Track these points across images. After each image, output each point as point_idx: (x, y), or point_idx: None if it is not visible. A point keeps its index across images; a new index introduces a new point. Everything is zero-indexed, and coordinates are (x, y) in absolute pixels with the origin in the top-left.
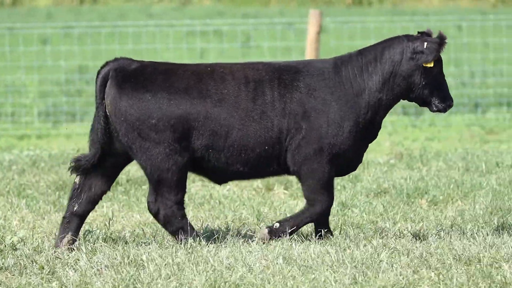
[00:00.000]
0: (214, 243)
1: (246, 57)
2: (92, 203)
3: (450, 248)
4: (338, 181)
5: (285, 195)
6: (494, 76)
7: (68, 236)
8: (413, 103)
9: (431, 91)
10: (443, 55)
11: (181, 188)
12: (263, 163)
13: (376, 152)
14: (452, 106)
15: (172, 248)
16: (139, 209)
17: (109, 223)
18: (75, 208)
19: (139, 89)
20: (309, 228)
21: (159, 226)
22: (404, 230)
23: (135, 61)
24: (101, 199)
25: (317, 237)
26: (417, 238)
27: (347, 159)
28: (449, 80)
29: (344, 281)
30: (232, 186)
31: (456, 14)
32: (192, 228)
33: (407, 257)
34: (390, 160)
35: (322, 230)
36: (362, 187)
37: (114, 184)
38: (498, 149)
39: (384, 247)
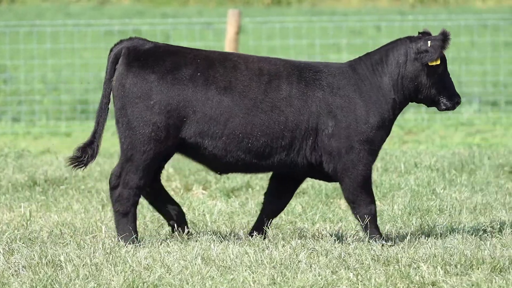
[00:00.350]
0: (133, 243)
1: None
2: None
3: (369, 249)
4: (257, 181)
5: (203, 195)
6: None
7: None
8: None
9: (438, 90)
10: None
11: (148, 175)
12: (267, 156)
13: None
14: (460, 103)
15: (90, 248)
16: (57, 210)
17: (27, 224)
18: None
19: (146, 69)
20: (228, 228)
21: (78, 226)
22: (322, 230)
23: (149, 42)
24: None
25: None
26: (336, 238)
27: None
28: None
29: (262, 282)
30: None
31: (375, 15)
32: (134, 222)
33: (326, 257)
34: None
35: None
36: None
37: (32, 184)
38: (417, 149)
39: (302, 248)
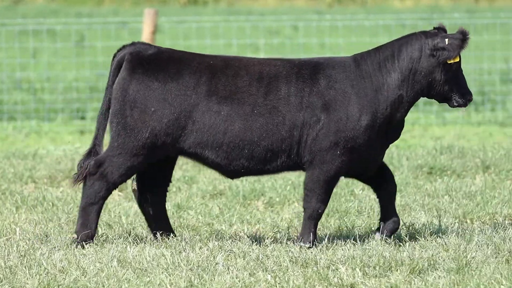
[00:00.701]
0: (48, 245)
1: (80, 57)
2: (161, 195)
3: (287, 250)
4: (174, 183)
5: (119, 197)
6: None
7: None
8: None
9: (451, 87)
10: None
11: (129, 176)
12: (270, 160)
13: None
14: (471, 100)
15: (4, 251)
16: None
17: None
18: (151, 212)
19: (150, 76)
20: (144, 230)
21: None
22: (240, 232)
23: (152, 47)
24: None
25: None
26: (254, 240)
27: (364, 157)
28: None
29: (179, 284)
30: (65, 188)
31: (292, 14)
32: (95, 219)
33: (244, 259)
34: None
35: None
36: (198, 189)
37: None
38: None
39: (220, 250)
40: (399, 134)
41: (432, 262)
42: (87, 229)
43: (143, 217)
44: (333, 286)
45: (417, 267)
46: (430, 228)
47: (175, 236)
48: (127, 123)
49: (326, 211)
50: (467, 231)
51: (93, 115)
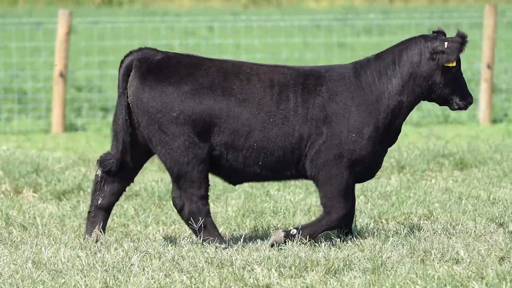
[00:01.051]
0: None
1: None
2: (116, 195)
3: (202, 251)
4: (88, 184)
5: (34, 198)
6: None
7: (96, 231)
8: None
9: (452, 89)
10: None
11: (204, 182)
12: (280, 170)
13: None
14: (472, 103)
15: None
16: None
17: None
18: (100, 202)
19: (162, 81)
20: (59, 231)
21: None
22: (156, 233)
23: (160, 52)
24: (124, 190)
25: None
26: (169, 241)
27: (366, 165)
28: None
29: (95, 285)
30: None
31: (207, 15)
32: (216, 228)
33: (159, 260)
34: None
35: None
36: None
37: None
38: None
39: (135, 251)
40: (397, 138)
41: (347, 262)
42: (221, 241)
43: (55, 220)
44: (248, 286)
45: (332, 267)
46: (345, 228)
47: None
48: (162, 138)
49: (241, 211)
50: (382, 231)
51: (7, 116)
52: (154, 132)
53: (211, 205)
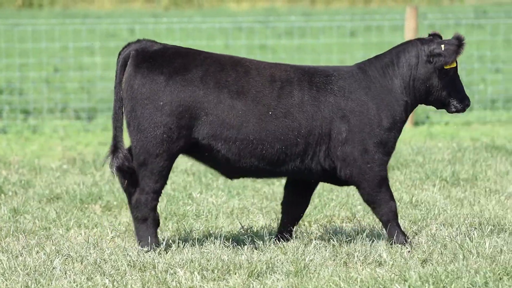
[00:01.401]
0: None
1: None
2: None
3: (125, 255)
4: (10, 187)
5: None
6: None
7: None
8: None
9: (449, 92)
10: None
11: (163, 178)
12: (281, 163)
13: (48, 157)
14: (469, 106)
15: None
16: None
17: None
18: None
19: (155, 70)
20: None
21: None
22: (78, 236)
23: (158, 43)
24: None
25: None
26: (91, 244)
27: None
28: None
29: None
30: None
31: (128, 17)
32: (154, 227)
33: (81, 263)
34: (63, 165)
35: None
36: (35, 193)
37: None
38: None
39: (57, 254)
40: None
41: (270, 265)
42: (150, 241)
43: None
44: None
45: (255, 270)
46: (268, 231)
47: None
48: (140, 124)
49: (164, 214)
50: (305, 234)
51: None
52: (135, 118)
53: None
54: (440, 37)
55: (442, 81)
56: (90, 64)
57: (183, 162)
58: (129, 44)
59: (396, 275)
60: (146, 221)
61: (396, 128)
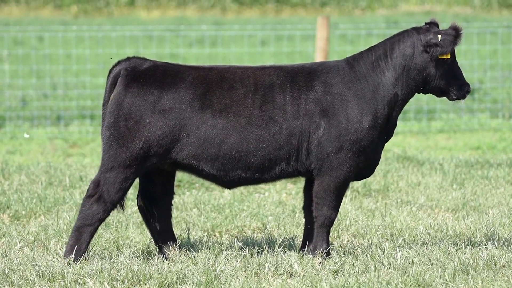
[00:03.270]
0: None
1: None
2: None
3: (33, 264)
4: None
5: None
6: (77, 88)
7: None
8: None
9: (448, 80)
10: None
11: (123, 191)
12: (268, 169)
13: None
14: (470, 92)
15: None
16: None
17: None
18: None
19: (145, 90)
20: None
21: None
22: None
23: (148, 61)
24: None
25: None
26: None
27: (369, 159)
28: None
29: None
30: None
31: (37, 25)
32: (87, 239)
33: None
34: None
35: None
36: None
37: None
38: (82, 162)
39: None
40: (393, 132)
41: (180, 276)
42: (78, 250)
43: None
44: None
45: (166, 281)
46: (179, 241)
47: (179, 248)
48: (120, 134)
49: (72, 224)
50: (216, 244)
51: None
52: (116, 127)
53: (42, 217)
54: (437, 26)
55: (440, 70)
56: None
57: (92, 171)
58: (118, 62)
59: (308, 286)
60: (87, 227)
61: (376, 126)
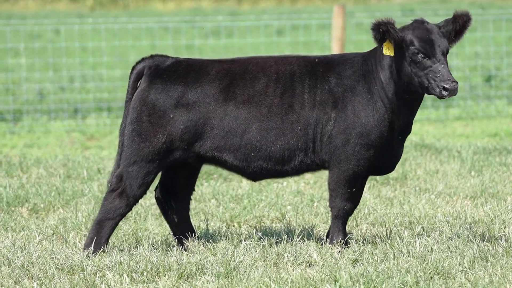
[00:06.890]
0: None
1: None
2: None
3: (53, 258)
4: None
5: None
6: (94, 80)
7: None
8: None
9: (427, 78)
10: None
11: (146, 186)
12: (287, 160)
13: None
14: (448, 89)
15: None
16: None
17: None
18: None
19: (169, 87)
20: None
21: None
22: (5, 239)
23: (170, 58)
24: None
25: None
26: (19, 247)
27: (382, 153)
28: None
29: None
30: None
31: (53, 18)
32: (108, 233)
33: (8, 267)
34: None
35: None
36: None
37: None
38: (99, 155)
39: None
40: (410, 130)
41: (200, 267)
42: (97, 243)
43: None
44: None
45: (185, 272)
46: (197, 232)
47: (198, 239)
48: (143, 128)
49: (91, 216)
50: (235, 235)
51: None
52: (139, 122)
53: (61, 210)
54: (422, 23)
55: (413, 68)
56: (15, 66)
57: (109, 164)
58: (142, 60)
59: (327, 275)
60: (109, 221)
61: (384, 121)
